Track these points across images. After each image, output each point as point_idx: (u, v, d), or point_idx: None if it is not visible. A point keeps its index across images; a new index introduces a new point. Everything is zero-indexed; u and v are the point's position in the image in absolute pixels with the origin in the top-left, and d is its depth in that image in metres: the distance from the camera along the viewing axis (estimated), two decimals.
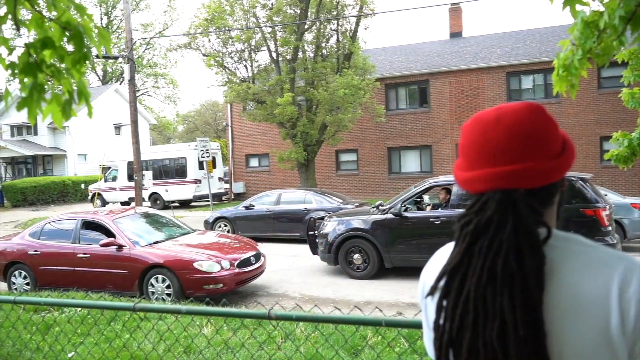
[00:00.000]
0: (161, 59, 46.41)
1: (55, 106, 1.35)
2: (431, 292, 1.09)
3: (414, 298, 8.14)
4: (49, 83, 1.33)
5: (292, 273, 10.27)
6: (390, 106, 23.21)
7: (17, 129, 35.31)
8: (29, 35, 1.32)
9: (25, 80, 1.28)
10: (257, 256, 8.85)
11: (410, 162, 23.28)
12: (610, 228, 8.35)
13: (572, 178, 8.52)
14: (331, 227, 9.92)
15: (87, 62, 1.34)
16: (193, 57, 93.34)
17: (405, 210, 9.54)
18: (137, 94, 17.25)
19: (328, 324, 4.30)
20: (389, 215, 9.42)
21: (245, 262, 8.44)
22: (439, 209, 9.65)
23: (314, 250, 10.51)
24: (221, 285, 7.90)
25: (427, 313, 1.17)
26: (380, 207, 9.83)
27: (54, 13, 1.32)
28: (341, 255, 9.75)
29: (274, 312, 1.98)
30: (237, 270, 8.14)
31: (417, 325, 1.98)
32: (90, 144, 34.73)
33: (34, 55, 1.27)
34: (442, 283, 1.06)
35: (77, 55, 1.33)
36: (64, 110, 1.35)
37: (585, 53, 2.34)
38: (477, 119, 1.09)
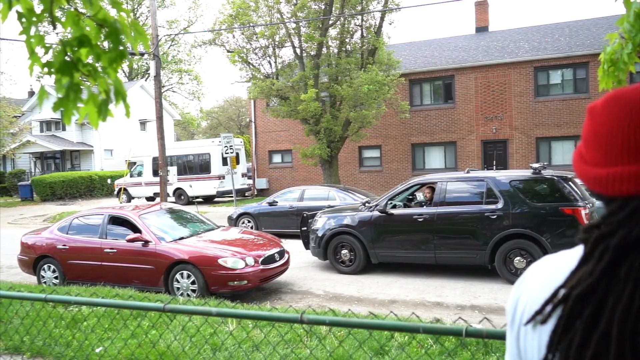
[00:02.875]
0: (186, 55, 46.82)
1: (91, 106, 1.31)
2: (540, 320, 0.85)
3: (440, 297, 8.03)
4: (85, 83, 1.30)
5: (315, 270, 10.24)
6: (414, 102, 22.97)
7: (46, 125, 36.06)
8: (63, 33, 1.28)
9: (62, 80, 1.26)
10: (282, 253, 8.84)
11: (435, 159, 23.02)
12: None
13: (553, 177, 8.62)
14: (321, 223, 10.25)
15: (123, 59, 1.31)
16: (217, 53, 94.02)
17: (394, 207, 9.77)
18: (162, 90, 17.40)
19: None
20: (375, 212, 9.67)
21: (270, 259, 8.43)
22: (424, 207, 9.73)
23: (307, 245, 10.83)
24: (246, 282, 7.91)
25: (521, 344, 0.93)
26: (367, 204, 10.10)
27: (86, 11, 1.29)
28: (330, 250, 10.04)
29: (307, 316, 1.92)
30: (261, 267, 8.13)
31: (456, 333, 1.90)
32: (117, 140, 35.29)
33: (70, 54, 1.24)
34: (558, 311, 0.83)
35: (114, 53, 1.29)
36: (100, 110, 1.31)
37: (636, 47, 2.21)
38: (618, 98, 0.84)
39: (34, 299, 2.58)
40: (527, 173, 8.96)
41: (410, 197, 10.47)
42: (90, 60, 1.29)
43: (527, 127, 21.19)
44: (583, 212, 8.20)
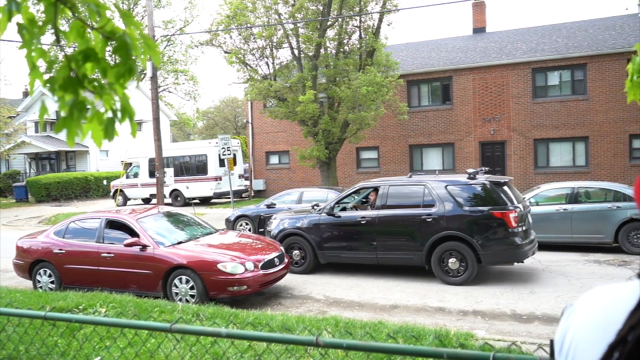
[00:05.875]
0: (182, 55, 46.56)
1: (96, 124, 1.21)
2: None
3: (442, 302, 7.95)
4: (89, 99, 1.19)
5: (315, 274, 10.13)
6: (412, 103, 22.89)
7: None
8: (68, 46, 1.18)
9: (66, 97, 1.15)
10: (281, 257, 8.73)
11: (432, 160, 22.96)
12: (519, 229, 8.71)
13: (485, 182, 8.97)
14: (275, 225, 10.72)
15: (132, 75, 1.21)
16: (213, 53, 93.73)
17: (344, 210, 10.28)
18: (158, 91, 17.26)
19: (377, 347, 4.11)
20: (323, 215, 10.15)
21: (270, 264, 8.32)
22: (370, 209, 10.12)
23: None
24: (245, 287, 7.79)
25: None
26: (316, 207, 10.63)
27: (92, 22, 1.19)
28: None
29: (322, 340, 1.82)
30: (261, 272, 8.02)
31: (483, 358, 1.81)
32: (112, 140, 34.99)
33: (75, 69, 1.14)
34: (616, 354, 0.74)
35: (122, 68, 1.18)
36: (106, 129, 1.21)
37: None
38: None
39: (33, 317, 2.48)
40: (463, 178, 9.34)
41: (365, 200, 10.81)
42: (95, 75, 1.19)
43: (525, 129, 21.16)
44: (511, 216, 8.63)
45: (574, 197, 11.59)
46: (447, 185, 9.16)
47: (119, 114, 1.25)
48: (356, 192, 10.53)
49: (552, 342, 2.03)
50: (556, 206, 11.64)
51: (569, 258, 10.72)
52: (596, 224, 11.15)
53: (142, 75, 43.28)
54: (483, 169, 9.73)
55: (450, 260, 8.93)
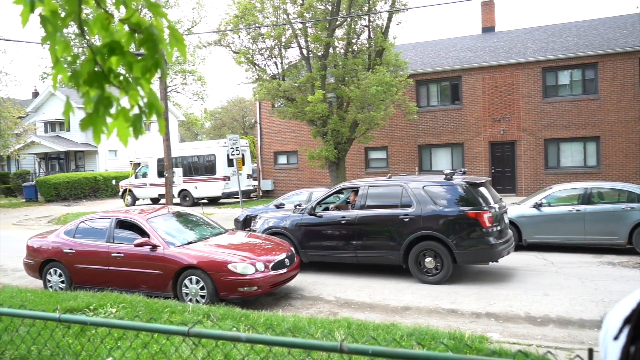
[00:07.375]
0: (190, 55, 46.61)
1: (122, 122, 1.16)
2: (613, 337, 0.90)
3: (454, 304, 7.86)
4: (114, 95, 1.14)
5: (325, 275, 10.06)
6: (421, 103, 22.78)
7: (50, 125, 35.96)
8: (91, 39, 1.12)
9: (91, 92, 1.10)
10: (291, 257, 8.67)
11: (442, 160, 22.83)
12: (493, 229, 8.84)
13: (461, 183, 9.12)
14: (259, 224, 10.90)
15: (158, 69, 1.15)
16: (220, 53, 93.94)
17: (326, 210, 10.45)
18: (167, 91, 17.26)
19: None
20: (305, 215, 10.31)
21: (280, 264, 8.26)
22: (351, 209, 10.26)
23: None
24: (255, 288, 7.75)
25: None
26: (298, 207, 10.79)
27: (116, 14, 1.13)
28: None
29: (347, 345, 1.76)
30: (272, 272, 7.97)
31: None
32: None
33: (100, 63, 1.09)
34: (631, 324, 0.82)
35: (149, 62, 1.13)
36: (133, 126, 1.16)
37: None
38: None
39: (47, 319, 2.43)
40: (440, 179, 9.47)
41: (348, 201, 10.89)
42: (121, 69, 1.14)
43: (536, 129, 20.99)
44: (485, 216, 8.77)
45: (586, 198, 11.45)
46: (424, 186, 9.32)
47: (145, 110, 1.19)
48: (338, 192, 10.73)
49: (590, 350, 1.96)
50: (569, 207, 11.50)
51: (582, 259, 10.59)
52: (610, 225, 11.00)
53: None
54: (461, 169, 9.91)
55: (427, 259, 9.07)
